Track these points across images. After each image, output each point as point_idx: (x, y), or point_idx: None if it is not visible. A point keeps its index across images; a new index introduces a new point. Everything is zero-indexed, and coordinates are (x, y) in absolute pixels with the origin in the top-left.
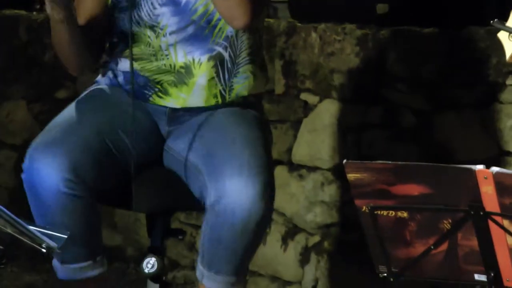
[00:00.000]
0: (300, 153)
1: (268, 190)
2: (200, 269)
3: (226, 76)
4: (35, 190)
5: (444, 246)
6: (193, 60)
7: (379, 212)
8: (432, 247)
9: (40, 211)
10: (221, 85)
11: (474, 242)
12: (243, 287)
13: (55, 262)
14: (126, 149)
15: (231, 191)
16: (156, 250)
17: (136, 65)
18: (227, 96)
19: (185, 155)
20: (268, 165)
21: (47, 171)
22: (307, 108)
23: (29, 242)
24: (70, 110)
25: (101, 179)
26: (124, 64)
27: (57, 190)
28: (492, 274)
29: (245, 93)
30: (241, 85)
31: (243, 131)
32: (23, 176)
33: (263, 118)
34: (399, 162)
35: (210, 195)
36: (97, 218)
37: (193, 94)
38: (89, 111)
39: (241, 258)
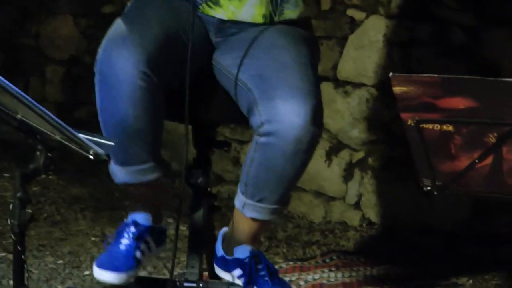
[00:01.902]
0: (345, 70)
1: (319, 113)
2: (241, 198)
3: (278, 1)
4: (109, 82)
5: (488, 160)
6: None
7: (424, 125)
8: (476, 161)
9: (110, 104)
10: (272, 7)
11: None
12: (282, 214)
13: (113, 166)
14: (185, 52)
15: (283, 113)
16: (202, 162)
17: None
18: (275, 18)
19: (233, 71)
20: (318, 88)
21: (123, 63)
22: (354, 24)
23: (77, 149)
24: (133, 9)
25: (170, 77)
26: None
27: (132, 82)
28: None
29: (294, 17)
30: (292, 11)
31: (294, 53)
32: (97, 67)
33: (312, 37)
34: (446, 76)
35: (261, 115)
36: (162, 117)
37: (243, 9)
38: (153, 11)
39: (287, 184)
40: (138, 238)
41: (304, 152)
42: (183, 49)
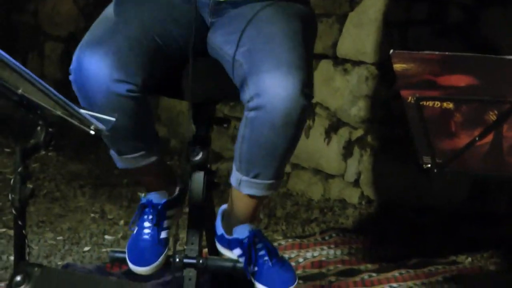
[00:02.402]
0: (345, 48)
1: (306, 85)
2: (237, 175)
3: None
4: (85, 91)
5: (489, 138)
6: None
7: (424, 103)
8: (476, 139)
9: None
10: None
11: None
12: (278, 189)
13: (113, 153)
14: (173, 40)
15: (270, 86)
16: (201, 139)
17: None
18: None
19: (226, 49)
20: (306, 61)
21: (96, 72)
22: (353, 2)
23: (78, 124)
24: (113, 8)
25: (150, 75)
26: None
27: (106, 90)
28: None
29: None
30: None
31: (284, 26)
32: (71, 77)
33: (308, 11)
34: (447, 53)
35: (250, 91)
36: (149, 112)
37: None
38: (132, 7)
39: (280, 158)
40: (159, 219)
41: (293, 124)
42: (167, 42)
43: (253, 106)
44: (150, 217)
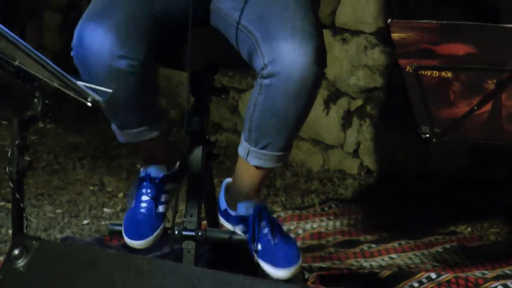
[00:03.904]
0: (343, 16)
1: (322, 54)
2: (245, 146)
3: None
4: (87, 68)
5: (487, 107)
6: None
7: (423, 72)
8: (475, 107)
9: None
10: None
11: None
12: (286, 162)
13: (114, 127)
14: (175, 10)
15: (286, 53)
16: (200, 110)
17: None
18: None
19: (233, 15)
20: (319, 29)
21: (97, 48)
22: None
23: (75, 96)
24: None
25: (151, 48)
26: None
27: (108, 65)
28: None
29: None
30: None
31: None
32: (73, 53)
33: None
34: (445, 21)
35: (264, 57)
36: (152, 86)
37: None
38: None
39: (290, 128)
40: (157, 192)
41: (307, 92)
42: (167, 11)
43: (268, 73)
44: (148, 190)
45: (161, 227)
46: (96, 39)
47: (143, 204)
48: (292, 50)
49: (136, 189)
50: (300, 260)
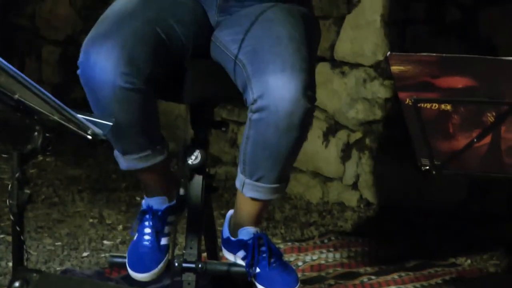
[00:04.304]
0: (342, 50)
1: (310, 88)
2: (240, 178)
3: None
4: (92, 86)
5: (487, 139)
6: None
7: (422, 104)
8: (475, 140)
9: (98, 106)
10: None
11: None
12: (283, 194)
13: (117, 153)
14: (177, 38)
15: (274, 88)
16: (200, 142)
17: None
18: None
19: (231, 49)
20: (310, 64)
21: (102, 66)
22: (351, 4)
23: (75, 129)
24: (119, 3)
25: (155, 71)
26: None
27: (113, 84)
28: None
29: None
30: None
31: (290, 29)
32: (79, 72)
33: (312, 15)
34: (444, 54)
35: (253, 91)
36: (155, 108)
37: None
38: (138, 2)
39: (283, 161)
40: (159, 225)
41: (297, 127)
42: (170, 39)
43: (257, 107)
44: (151, 223)
45: (165, 259)
46: (102, 57)
47: (146, 237)
48: (280, 84)
49: (138, 221)
50: (298, 285)
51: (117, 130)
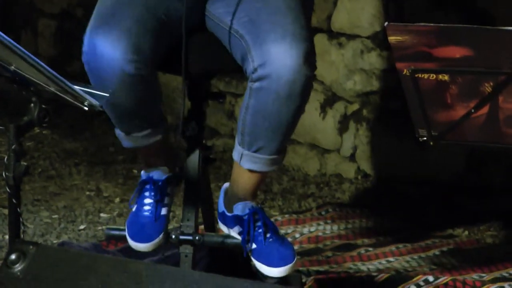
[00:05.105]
0: (339, 21)
1: (311, 55)
2: (238, 149)
3: None
4: (98, 72)
5: (484, 109)
6: None
7: (420, 75)
8: (472, 110)
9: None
10: None
11: None
12: (280, 165)
13: (119, 133)
14: (175, 15)
15: (276, 56)
16: (196, 115)
17: None
18: None
19: (225, 20)
20: (310, 32)
21: (110, 55)
22: None
23: (71, 100)
24: None
25: (158, 53)
26: None
27: (122, 72)
28: None
29: None
30: None
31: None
32: (84, 59)
33: None
34: (442, 24)
35: (254, 61)
36: (159, 88)
37: None
38: None
39: (283, 131)
40: (160, 195)
41: (298, 94)
42: (170, 17)
43: (258, 76)
44: (152, 193)
45: (165, 229)
46: (109, 46)
47: (146, 207)
48: (282, 52)
49: (138, 192)
50: (295, 260)
51: (121, 113)
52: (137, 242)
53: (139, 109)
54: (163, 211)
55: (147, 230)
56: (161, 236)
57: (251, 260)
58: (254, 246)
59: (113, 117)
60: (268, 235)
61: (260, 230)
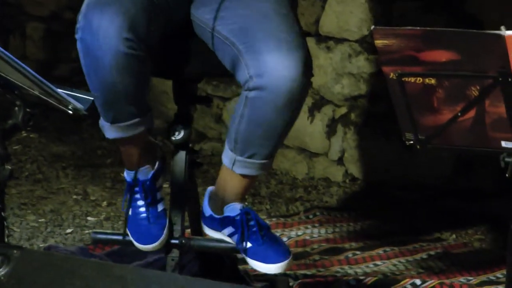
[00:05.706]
0: (328, 25)
1: (308, 64)
2: (230, 155)
3: None
4: (92, 51)
5: (471, 113)
6: None
7: (406, 79)
8: (459, 114)
9: (95, 72)
10: None
11: (501, 109)
12: (270, 168)
13: (103, 122)
14: (164, 10)
15: (273, 66)
16: (183, 118)
17: None
18: None
19: (211, 25)
20: (304, 39)
21: (106, 30)
22: None
23: (56, 104)
24: None
25: (152, 36)
26: None
27: (116, 50)
28: None
29: None
30: None
31: (274, 4)
32: (78, 36)
33: None
34: (428, 28)
35: (248, 69)
36: (149, 74)
37: None
38: None
39: (277, 138)
40: (151, 196)
41: (295, 104)
42: (162, 8)
43: (254, 86)
44: (143, 195)
45: (167, 224)
46: (105, 21)
47: (142, 209)
48: (279, 63)
49: (128, 196)
50: (291, 257)
51: (112, 97)
52: (145, 245)
53: (129, 93)
54: (159, 207)
55: (151, 231)
56: (165, 232)
57: (244, 260)
58: (249, 245)
59: (102, 104)
60: (262, 233)
61: (254, 229)
